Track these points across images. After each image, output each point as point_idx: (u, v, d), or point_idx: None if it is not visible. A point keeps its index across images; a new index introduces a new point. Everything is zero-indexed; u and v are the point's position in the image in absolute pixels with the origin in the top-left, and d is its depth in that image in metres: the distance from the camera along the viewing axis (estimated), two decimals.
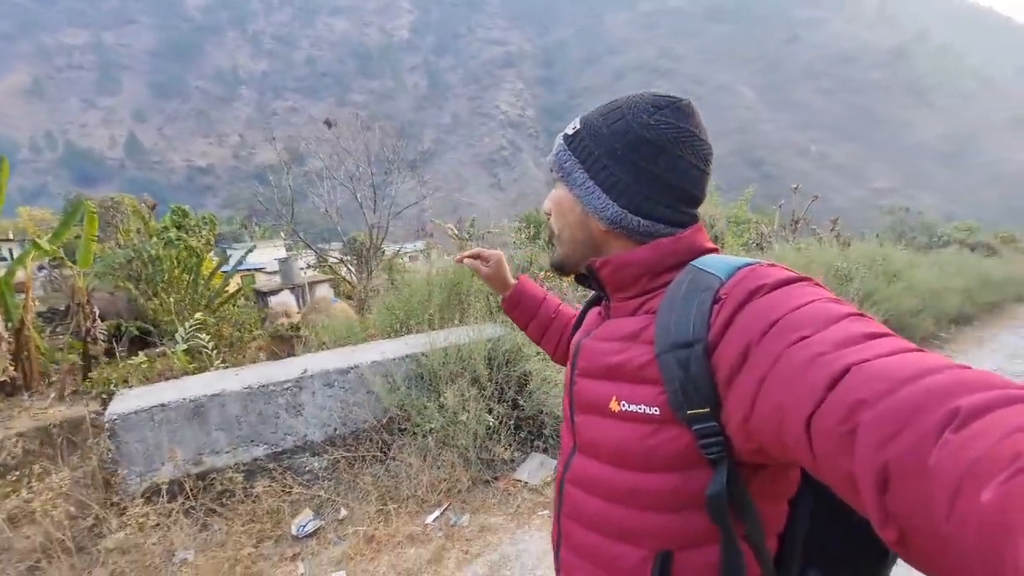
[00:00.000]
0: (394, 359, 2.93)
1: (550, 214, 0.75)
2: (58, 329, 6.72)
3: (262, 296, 12.74)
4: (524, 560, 2.19)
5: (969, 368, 0.39)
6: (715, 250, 0.69)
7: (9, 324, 4.29)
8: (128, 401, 2.56)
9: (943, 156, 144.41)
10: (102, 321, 5.78)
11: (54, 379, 4.41)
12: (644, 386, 0.62)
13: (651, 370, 0.61)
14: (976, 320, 7.36)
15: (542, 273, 6.68)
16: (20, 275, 6.28)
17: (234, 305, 7.83)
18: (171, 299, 6.37)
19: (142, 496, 2.35)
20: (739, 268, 0.59)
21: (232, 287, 8.09)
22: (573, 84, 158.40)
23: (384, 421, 2.81)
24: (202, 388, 2.68)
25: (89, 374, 5.04)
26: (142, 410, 2.47)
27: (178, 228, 9.79)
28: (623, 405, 0.64)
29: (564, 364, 0.95)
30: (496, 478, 2.73)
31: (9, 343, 4.16)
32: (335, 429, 2.77)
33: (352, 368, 2.83)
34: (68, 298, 7.07)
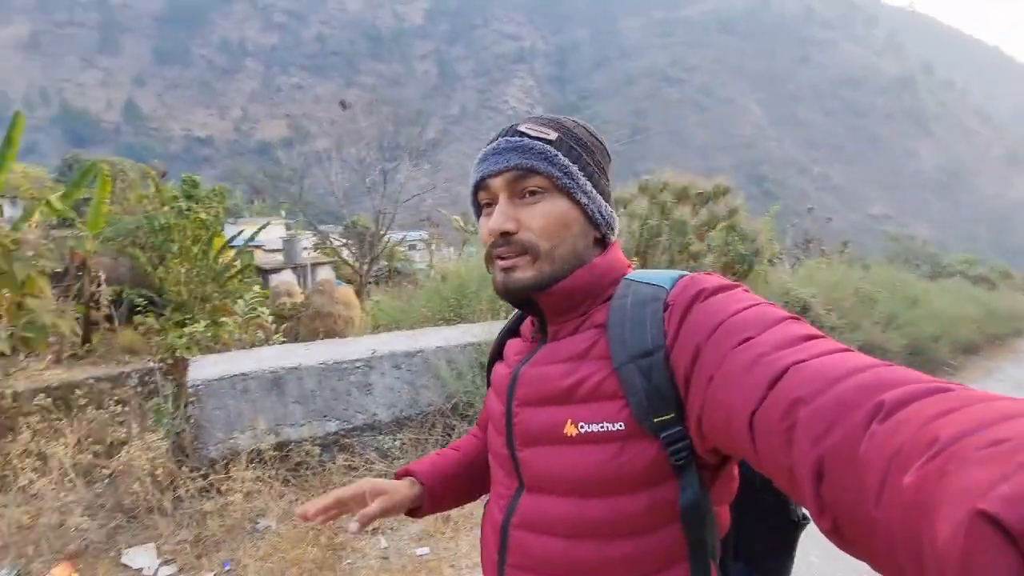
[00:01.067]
0: (457, 346, 2.99)
1: (513, 232, 0.66)
2: (52, 291, 6.64)
3: (263, 274, 12.63)
4: None
5: (893, 366, 0.41)
6: (631, 265, 0.73)
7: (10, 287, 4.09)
8: (207, 368, 2.64)
9: (939, 187, 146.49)
10: (106, 286, 5.64)
11: (52, 341, 4.26)
12: (603, 403, 0.61)
13: (609, 385, 0.61)
14: (982, 351, 7.54)
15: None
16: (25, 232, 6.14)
17: (240, 281, 7.80)
18: (182, 270, 6.31)
19: (221, 461, 2.41)
20: (680, 277, 0.63)
21: (235, 262, 8.02)
22: (584, 85, 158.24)
23: (450, 406, 2.87)
24: (277, 360, 2.74)
25: (90, 338, 4.91)
26: (224, 378, 2.52)
27: (188, 198, 9.67)
28: (581, 427, 0.62)
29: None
30: None
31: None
32: (402, 410, 2.83)
33: (418, 352, 2.89)
34: (66, 260, 6.87)
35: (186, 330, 3.87)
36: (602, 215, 0.69)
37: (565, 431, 0.62)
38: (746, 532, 0.71)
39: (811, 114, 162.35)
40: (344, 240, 15.90)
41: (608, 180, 0.71)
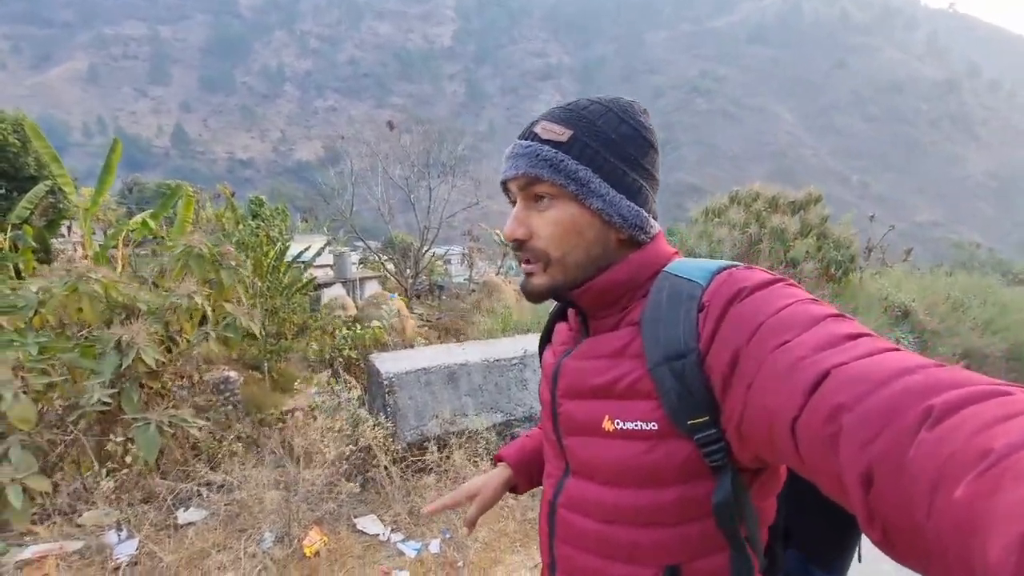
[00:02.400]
0: None
1: (526, 239, 0.66)
2: None
3: (316, 288, 12.93)
4: None
5: (944, 366, 0.39)
6: (676, 254, 0.70)
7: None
8: (388, 364, 2.98)
9: (990, 192, 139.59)
10: None
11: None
12: (637, 402, 0.61)
13: (643, 385, 0.60)
14: None
15: None
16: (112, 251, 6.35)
17: (304, 295, 7.96)
18: (262, 285, 6.56)
19: (416, 445, 2.79)
20: (717, 272, 0.60)
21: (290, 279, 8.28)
22: None
23: None
24: (442, 358, 3.10)
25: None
26: (411, 372, 2.88)
27: (254, 217, 9.89)
28: (617, 423, 0.62)
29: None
30: None
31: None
32: None
33: None
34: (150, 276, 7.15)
35: (346, 332, 4.60)
36: (623, 216, 0.64)
37: (603, 425, 0.63)
38: (800, 522, 0.71)
39: (849, 122, 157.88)
40: (388, 255, 16.22)
41: (645, 172, 0.66)
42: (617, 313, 0.67)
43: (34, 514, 2.68)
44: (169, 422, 2.85)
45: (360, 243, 17.70)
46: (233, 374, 3.62)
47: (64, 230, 9.56)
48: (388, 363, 3.06)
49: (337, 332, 4.79)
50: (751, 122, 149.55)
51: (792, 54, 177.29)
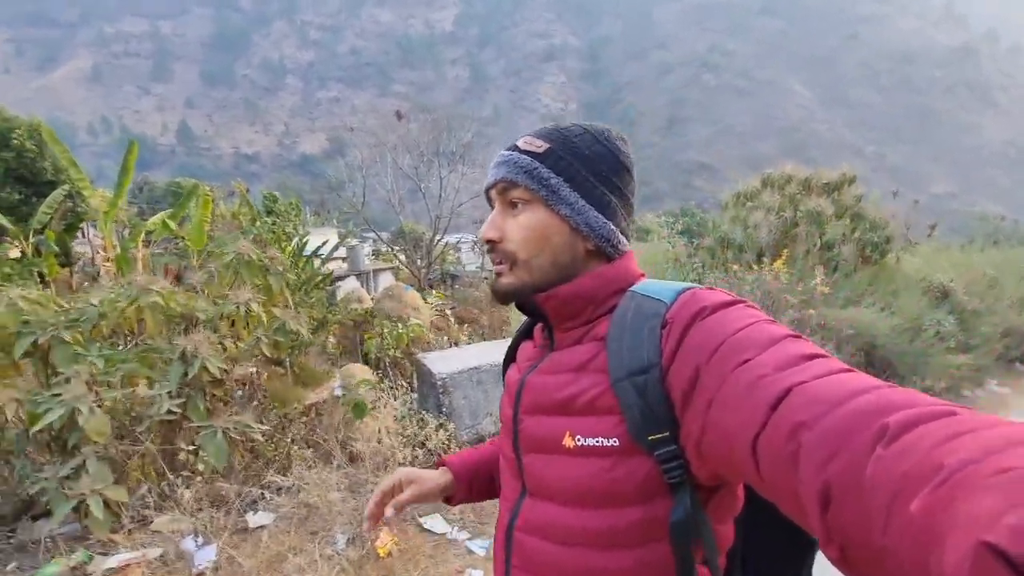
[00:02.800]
0: None
1: (497, 240, 0.70)
2: None
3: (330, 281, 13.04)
4: None
5: (895, 387, 0.41)
6: (643, 275, 0.72)
7: None
8: (438, 364, 3.04)
9: (1007, 161, 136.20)
10: None
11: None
12: (600, 417, 0.61)
13: (606, 400, 0.61)
14: None
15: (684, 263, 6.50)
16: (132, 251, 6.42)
17: (321, 289, 8.00)
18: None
19: (470, 445, 2.81)
20: (681, 292, 0.62)
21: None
22: (617, 78, 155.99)
23: None
24: (493, 355, 3.15)
25: None
26: (463, 371, 2.91)
27: (269, 213, 9.95)
28: (578, 440, 0.62)
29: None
30: None
31: None
32: None
33: None
34: (163, 275, 7.30)
35: (385, 331, 4.69)
36: (590, 226, 0.68)
37: (564, 442, 0.63)
38: (756, 548, 0.71)
39: (863, 93, 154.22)
40: (399, 246, 16.27)
41: (615, 189, 0.70)
42: (582, 326, 0.68)
43: (113, 524, 2.74)
44: (234, 427, 2.92)
45: (370, 234, 17.77)
46: (253, 370, 3.68)
47: (78, 233, 9.72)
48: (439, 363, 3.08)
49: (386, 331, 4.87)
50: (762, 97, 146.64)
51: (803, 26, 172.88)
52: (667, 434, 0.57)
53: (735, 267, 5.54)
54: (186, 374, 2.91)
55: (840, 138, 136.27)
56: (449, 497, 0.90)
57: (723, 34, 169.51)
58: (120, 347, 3.27)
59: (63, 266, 6.47)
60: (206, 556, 2.63)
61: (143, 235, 7.22)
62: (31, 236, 6.51)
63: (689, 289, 0.62)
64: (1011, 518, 0.24)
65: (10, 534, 2.83)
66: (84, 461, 2.61)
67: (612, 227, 0.69)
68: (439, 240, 15.93)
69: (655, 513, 0.59)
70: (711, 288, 0.62)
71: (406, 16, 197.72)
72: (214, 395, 3.26)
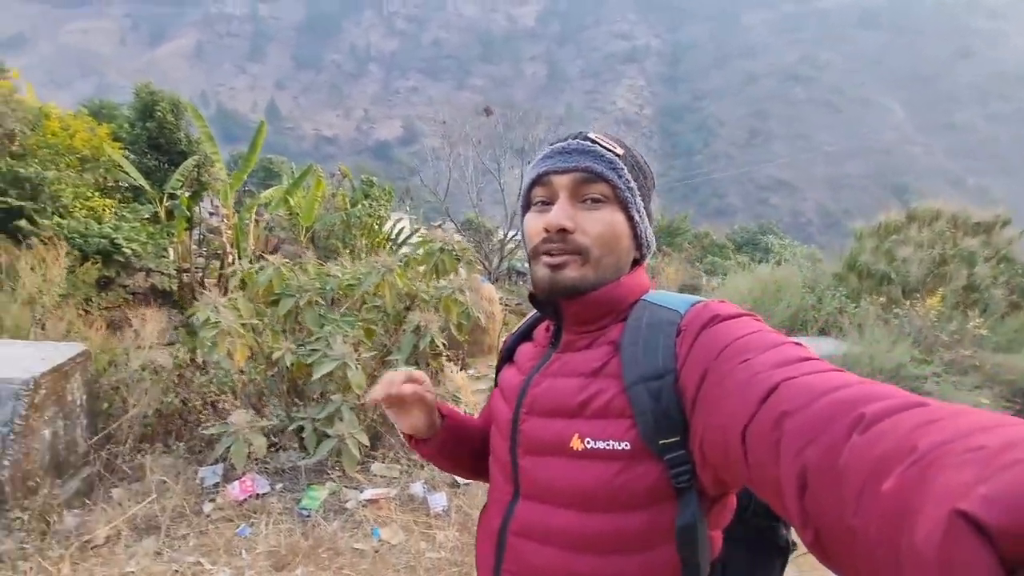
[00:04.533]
0: None
1: (571, 231, 0.67)
2: None
3: None
4: None
5: (872, 383, 0.43)
6: (652, 286, 0.74)
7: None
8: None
9: None
10: None
11: None
12: (611, 421, 0.62)
13: (619, 404, 0.62)
14: None
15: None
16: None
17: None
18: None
19: None
20: (695, 303, 0.64)
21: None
22: (699, 85, 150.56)
23: None
24: None
25: None
26: None
27: (366, 197, 10.12)
28: (587, 443, 0.62)
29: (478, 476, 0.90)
30: None
31: None
32: None
33: None
34: (262, 247, 7.57)
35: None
36: (647, 238, 0.71)
37: (571, 445, 0.63)
38: (735, 556, 0.72)
39: (969, 117, 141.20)
40: (471, 238, 16.38)
41: (652, 206, 0.74)
42: (595, 331, 0.69)
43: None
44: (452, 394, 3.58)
45: (439, 222, 17.95)
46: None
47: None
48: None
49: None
50: (853, 113, 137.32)
51: (908, 40, 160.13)
52: (678, 439, 0.58)
53: (880, 299, 5.35)
54: (417, 346, 3.32)
55: (939, 165, 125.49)
56: (417, 440, 0.86)
57: (816, 44, 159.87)
58: (349, 316, 3.67)
59: (186, 230, 6.82)
60: (438, 502, 2.96)
61: (256, 208, 7.46)
62: (165, 200, 6.90)
63: (701, 301, 0.64)
64: (984, 488, 0.25)
65: (266, 462, 3.23)
66: (339, 408, 3.00)
67: (654, 239, 0.73)
68: (513, 235, 15.83)
69: (661, 518, 0.60)
70: (722, 301, 0.64)
71: (489, 10, 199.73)
72: (435, 365, 3.83)
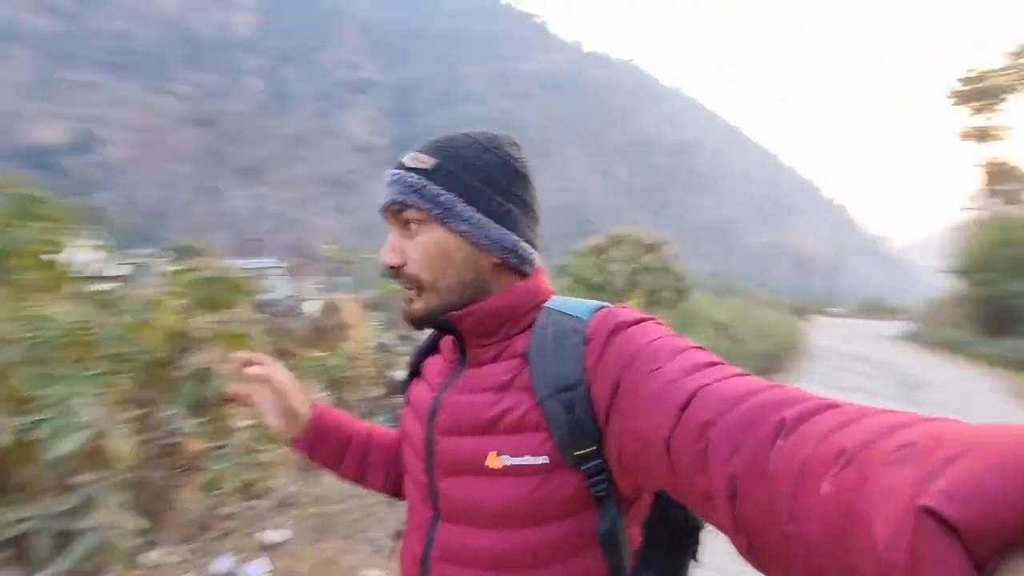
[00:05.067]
0: None
1: (401, 265, 0.67)
2: None
3: None
4: None
5: (781, 386, 0.45)
6: (553, 291, 0.73)
7: None
8: None
9: (714, 233, 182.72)
10: None
11: None
12: (527, 435, 0.61)
13: (533, 417, 0.61)
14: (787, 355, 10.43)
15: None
16: None
17: None
18: None
19: None
20: (597, 309, 0.65)
21: None
22: (427, 121, 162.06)
23: None
24: None
25: None
26: None
27: (29, 217, 8.43)
28: (505, 459, 0.61)
29: (389, 490, 0.86)
30: None
31: None
32: None
33: None
34: None
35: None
36: (490, 238, 0.66)
37: (488, 463, 0.62)
38: (656, 542, 0.72)
39: (620, 169, 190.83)
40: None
41: (512, 197, 0.68)
42: (499, 343, 0.67)
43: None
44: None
45: (142, 251, 15.72)
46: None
47: None
48: None
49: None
50: (546, 162, 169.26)
51: (580, 102, 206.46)
52: (594, 448, 0.58)
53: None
54: (198, 394, 2.81)
55: (606, 202, 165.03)
56: (295, 438, 0.83)
57: (512, 100, 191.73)
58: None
59: None
60: (256, 571, 2.54)
61: None
62: None
63: (604, 307, 0.65)
64: (941, 483, 0.25)
65: None
66: (89, 495, 2.30)
67: (514, 237, 0.67)
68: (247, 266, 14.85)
69: (582, 526, 0.61)
70: (623, 306, 0.65)
71: (194, 9, 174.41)
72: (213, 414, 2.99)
